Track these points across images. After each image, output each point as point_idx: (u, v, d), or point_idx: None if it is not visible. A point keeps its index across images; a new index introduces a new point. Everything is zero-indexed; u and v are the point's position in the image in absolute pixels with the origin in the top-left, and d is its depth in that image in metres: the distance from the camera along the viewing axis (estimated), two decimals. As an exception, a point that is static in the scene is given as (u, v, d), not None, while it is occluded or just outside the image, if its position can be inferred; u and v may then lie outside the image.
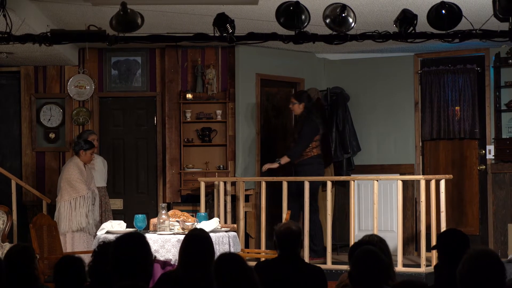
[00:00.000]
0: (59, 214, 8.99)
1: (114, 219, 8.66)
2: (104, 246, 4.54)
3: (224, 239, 7.48)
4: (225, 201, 9.58)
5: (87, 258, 4.71)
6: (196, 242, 4.87)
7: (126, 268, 4.19)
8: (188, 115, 10.29)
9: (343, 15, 6.55)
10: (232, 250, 7.45)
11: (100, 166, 9.70)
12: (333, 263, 8.95)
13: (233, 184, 9.87)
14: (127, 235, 4.38)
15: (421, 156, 10.65)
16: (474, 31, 6.68)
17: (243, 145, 10.27)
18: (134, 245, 4.29)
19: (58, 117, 10.55)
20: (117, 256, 4.23)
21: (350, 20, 6.60)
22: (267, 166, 9.40)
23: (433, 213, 8.65)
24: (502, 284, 3.72)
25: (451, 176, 8.97)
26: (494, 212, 10.10)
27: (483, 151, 10.26)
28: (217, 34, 6.72)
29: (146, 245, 4.33)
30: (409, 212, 10.52)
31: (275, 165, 9.37)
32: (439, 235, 5.06)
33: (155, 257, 4.53)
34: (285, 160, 9.42)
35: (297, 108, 9.56)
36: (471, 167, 10.36)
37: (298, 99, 9.57)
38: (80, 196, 9.02)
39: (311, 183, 9.11)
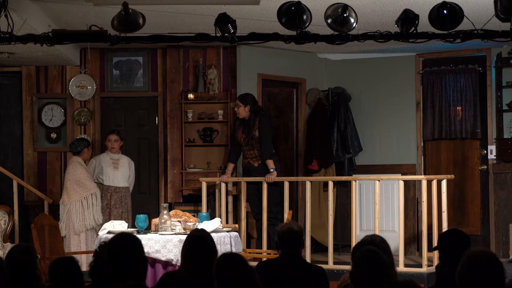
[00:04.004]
0: (70, 215, 9.02)
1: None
2: (106, 246, 4.56)
3: (225, 239, 7.49)
4: (227, 201, 9.59)
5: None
6: (198, 242, 4.88)
7: (118, 268, 4.26)
8: (190, 115, 10.29)
9: (345, 15, 6.56)
10: (233, 250, 7.46)
11: (124, 165, 9.69)
12: (334, 263, 8.95)
13: (235, 184, 9.87)
14: (117, 237, 4.45)
15: (422, 156, 10.65)
16: (475, 31, 6.68)
17: (245, 145, 10.27)
18: (123, 246, 4.35)
19: (60, 117, 10.55)
20: (109, 257, 4.34)
21: (352, 20, 6.61)
22: (272, 178, 9.29)
23: (435, 213, 8.65)
24: (501, 284, 3.73)
25: (452, 176, 8.96)
26: (496, 212, 10.10)
27: (485, 151, 10.25)
28: (218, 34, 6.72)
29: (134, 245, 4.38)
30: (410, 212, 10.52)
31: (275, 173, 9.33)
32: (440, 235, 5.05)
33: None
34: (271, 164, 9.35)
35: (243, 111, 9.45)
36: (473, 167, 10.36)
37: (243, 101, 9.45)
38: (91, 194, 9.08)
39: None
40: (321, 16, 6.68)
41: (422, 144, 10.64)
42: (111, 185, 9.55)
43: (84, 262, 8.52)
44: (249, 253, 9.17)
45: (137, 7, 6.77)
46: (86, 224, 9.06)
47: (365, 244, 4.73)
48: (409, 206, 10.48)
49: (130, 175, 9.78)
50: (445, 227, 8.62)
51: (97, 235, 8.36)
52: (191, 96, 10.26)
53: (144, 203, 10.39)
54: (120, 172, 9.60)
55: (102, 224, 8.68)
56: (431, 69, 10.52)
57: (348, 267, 6.33)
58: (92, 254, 4.83)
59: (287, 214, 8.88)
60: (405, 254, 9.07)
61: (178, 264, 6.81)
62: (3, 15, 6.48)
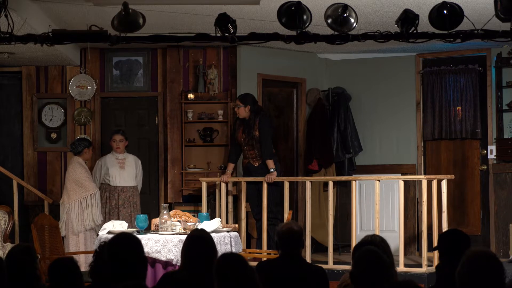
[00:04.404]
0: (69, 215, 9.02)
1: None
2: (106, 246, 4.56)
3: (225, 239, 7.49)
4: (227, 201, 9.59)
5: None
6: (198, 242, 4.88)
7: (118, 268, 4.26)
8: (190, 115, 10.29)
9: (345, 15, 6.56)
10: (233, 250, 7.46)
11: (131, 165, 9.69)
12: (334, 263, 8.95)
13: (235, 184, 9.87)
14: (117, 237, 4.45)
15: (422, 156, 10.64)
16: (475, 31, 6.68)
17: (245, 145, 10.26)
18: (123, 246, 4.35)
19: (60, 117, 10.55)
20: (109, 257, 4.35)
21: (352, 20, 6.61)
22: (272, 178, 9.28)
23: (435, 213, 8.65)
24: (501, 284, 3.73)
25: (452, 176, 8.96)
26: (496, 212, 10.10)
27: (485, 151, 10.25)
28: (218, 34, 6.72)
29: (134, 245, 4.39)
30: (410, 212, 10.52)
31: (275, 173, 9.33)
32: (440, 235, 5.05)
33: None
34: (271, 164, 9.34)
35: (243, 111, 9.45)
36: (473, 167, 10.36)
37: (243, 102, 9.45)
38: (91, 195, 9.09)
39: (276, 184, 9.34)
40: (321, 16, 6.68)
41: (422, 144, 10.64)
42: (118, 185, 9.56)
43: (83, 262, 8.53)
44: (249, 253, 9.17)
45: (137, 7, 6.77)
46: (85, 225, 9.06)
47: (365, 244, 4.73)
48: (409, 206, 10.48)
49: (138, 173, 9.78)
50: (445, 227, 8.62)
51: (97, 235, 8.36)
52: (191, 96, 10.26)
53: (144, 203, 10.39)
54: (126, 171, 9.61)
55: (101, 225, 8.67)
56: (431, 69, 10.52)
57: (348, 267, 6.33)
58: (91, 254, 4.83)
59: (287, 214, 8.88)
60: (405, 254, 9.07)
61: (178, 264, 6.81)
62: (3, 15, 6.48)
